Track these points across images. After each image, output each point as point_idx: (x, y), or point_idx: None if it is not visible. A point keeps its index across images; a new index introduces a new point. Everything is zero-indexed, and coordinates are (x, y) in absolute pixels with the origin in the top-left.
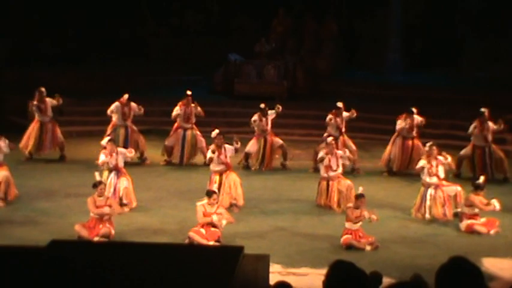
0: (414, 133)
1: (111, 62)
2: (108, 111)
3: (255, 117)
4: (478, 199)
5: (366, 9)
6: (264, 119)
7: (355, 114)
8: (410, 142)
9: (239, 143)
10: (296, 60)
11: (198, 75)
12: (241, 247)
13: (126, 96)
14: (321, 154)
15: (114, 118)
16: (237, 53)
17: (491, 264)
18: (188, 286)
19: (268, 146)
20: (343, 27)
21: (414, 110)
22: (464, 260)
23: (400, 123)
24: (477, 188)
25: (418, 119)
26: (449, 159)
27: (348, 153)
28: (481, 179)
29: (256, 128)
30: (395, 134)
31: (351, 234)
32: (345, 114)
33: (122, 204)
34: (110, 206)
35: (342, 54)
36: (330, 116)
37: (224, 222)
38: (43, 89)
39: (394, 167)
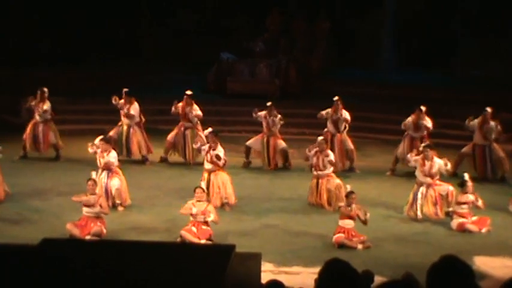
0: (423, 134)
1: (111, 62)
2: (113, 101)
3: (263, 113)
4: (465, 197)
5: (360, 8)
6: (270, 118)
7: (348, 123)
8: (418, 142)
9: (222, 161)
10: (289, 59)
11: (194, 75)
12: (233, 245)
13: (124, 90)
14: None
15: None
16: (230, 52)
17: (482, 263)
18: (180, 285)
19: (271, 147)
20: (337, 26)
21: (423, 108)
22: (455, 259)
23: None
24: (461, 186)
25: (428, 121)
26: (449, 165)
27: (331, 157)
28: (465, 176)
29: (264, 125)
30: (406, 133)
31: (343, 232)
32: (345, 113)
33: (115, 205)
34: (100, 205)
35: (335, 53)
36: (328, 111)
37: (212, 217)
38: (45, 89)
39: (399, 164)
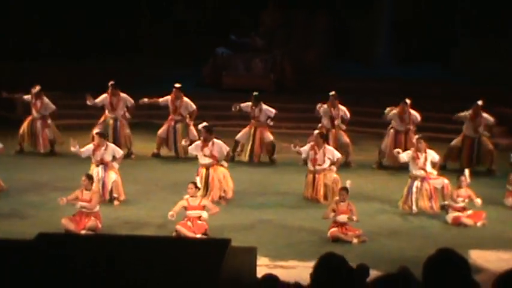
0: (408, 126)
1: (110, 62)
2: (97, 100)
3: (249, 104)
4: (462, 191)
5: (358, 4)
6: (256, 109)
7: (344, 128)
8: (402, 136)
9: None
10: (284, 52)
11: (191, 70)
12: (229, 240)
13: (110, 83)
14: (304, 148)
15: (107, 110)
16: (225, 47)
17: (477, 257)
18: (176, 279)
19: (257, 138)
20: (335, 21)
21: (408, 101)
22: (451, 252)
23: (390, 111)
24: (459, 182)
25: (414, 114)
26: (467, 173)
27: (336, 153)
28: (466, 172)
29: (251, 116)
30: (389, 126)
31: (337, 227)
32: (342, 108)
33: (112, 198)
34: (90, 200)
35: (332, 47)
36: (325, 106)
37: (205, 215)
38: (38, 87)
39: (385, 159)
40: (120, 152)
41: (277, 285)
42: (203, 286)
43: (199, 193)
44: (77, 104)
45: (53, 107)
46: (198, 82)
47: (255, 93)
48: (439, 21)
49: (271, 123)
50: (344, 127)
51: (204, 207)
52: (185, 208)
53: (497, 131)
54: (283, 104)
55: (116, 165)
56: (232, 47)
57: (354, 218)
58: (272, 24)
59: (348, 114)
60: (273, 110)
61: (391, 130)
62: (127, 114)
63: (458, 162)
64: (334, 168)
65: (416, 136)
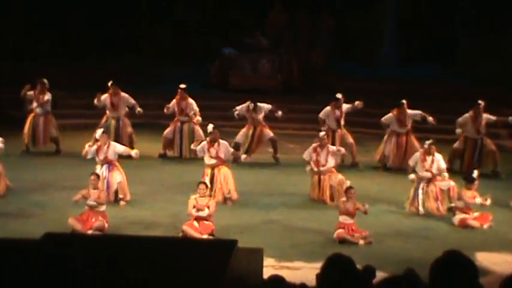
0: (408, 127)
1: (110, 62)
2: (95, 101)
3: (244, 106)
4: (469, 193)
5: (361, 4)
6: (254, 112)
7: (360, 106)
8: (404, 138)
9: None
10: (291, 53)
11: (194, 70)
12: (235, 241)
13: (109, 83)
14: (307, 151)
15: (108, 110)
16: (232, 47)
17: (484, 259)
18: (181, 280)
19: (256, 135)
20: (338, 21)
21: (404, 101)
22: (459, 254)
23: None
24: (469, 182)
25: (411, 112)
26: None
27: (343, 151)
28: (475, 173)
29: (248, 118)
30: (388, 129)
31: (344, 228)
32: (345, 106)
33: (117, 199)
34: (98, 198)
35: (337, 48)
36: (328, 108)
37: (206, 212)
38: (45, 81)
39: (389, 163)
40: (122, 148)
41: (283, 286)
42: (208, 287)
43: (207, 193)
44: (76, 103)
45: (50, 103)
46: (204, 83)
47: (248, 102)
48: (439, 21)
49: (280, 113)
50: (360, 105)
51: (209, 208)
52: (194, 207)
53: (503, 133)
54: (290, 105)
55: (121, 148)
56: (239, 48)
57: (366, 206)
58: (279, 24)
59: (360, 105)
60: (269, 106)
61: (392, 134)
62: (139, 109)
63: (460, 164)
64: (341, 151)
65: (428, 141)
